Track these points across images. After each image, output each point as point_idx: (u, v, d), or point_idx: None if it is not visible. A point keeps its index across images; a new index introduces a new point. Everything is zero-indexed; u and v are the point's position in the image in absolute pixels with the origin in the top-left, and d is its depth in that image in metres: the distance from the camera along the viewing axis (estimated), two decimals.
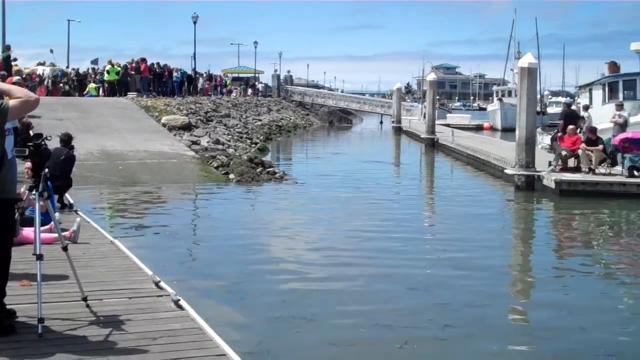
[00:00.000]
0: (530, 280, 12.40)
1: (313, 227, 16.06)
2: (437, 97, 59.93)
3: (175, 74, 49.72)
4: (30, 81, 37.75)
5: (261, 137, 40.50)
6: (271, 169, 24.81)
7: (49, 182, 11.71)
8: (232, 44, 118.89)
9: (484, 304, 10.09)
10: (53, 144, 12.08)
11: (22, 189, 8.24)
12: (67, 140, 14.41)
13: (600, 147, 21.45)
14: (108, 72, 42.21)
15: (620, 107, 24.87)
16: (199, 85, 55.76)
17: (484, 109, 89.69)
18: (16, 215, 6.05)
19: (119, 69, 42.16)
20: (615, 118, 24.21)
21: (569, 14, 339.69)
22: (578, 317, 9.69)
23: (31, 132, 14.26)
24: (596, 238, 16.15)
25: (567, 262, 13.67)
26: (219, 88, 63.05)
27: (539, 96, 41.58)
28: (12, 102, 5.63)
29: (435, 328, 8.94)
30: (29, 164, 7.80)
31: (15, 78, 24.44)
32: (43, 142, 6.54)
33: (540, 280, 12.11)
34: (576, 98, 47.30)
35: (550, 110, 60.79)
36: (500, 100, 62.97)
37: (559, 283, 11.83)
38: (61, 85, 42.21)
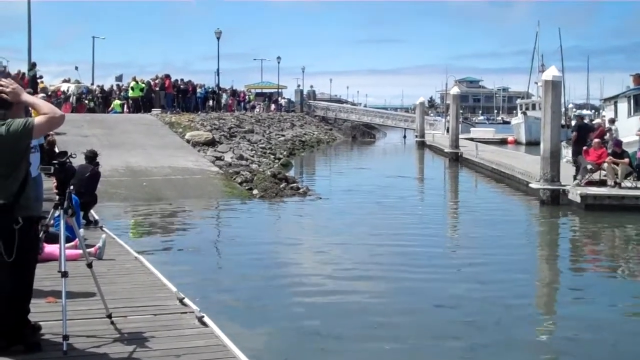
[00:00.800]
0: (557, 296, 12.31)
1: (337, 243, 15.97)
2: (461, 111, 59.78)
3: (199, 89, 50.02)
4: (55, 98, 38.13)
5: (284, 153, 40.56)
6: (295, 184, 24.83)
7: (75, 198, 11.84)
8: (255, 59, 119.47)
9: (512, 321, 9.99)
10: (78, 161, 12.18)
11: None
12: (92, 157, 14.50)
13: (626, 160, 21.23)
14: (132, 88, 42.56)
15: None
16: (223, 101, 56.03)
17: (508, 123, 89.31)
18: (40, 234, 6.05)
19: (143, 85, 42.51)
20: None
21: (591, 25, 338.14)
22: (605, 333, 9.58)
23: (56, 149, 14.41)
24: (623, 253, 15.96)
25: (593, 278, 13.51)
26: (242, 104, 63.30)
27: (563, 109, 41.33)
28: (37, 120, 5.64)
29: (463, 346, 8.83)
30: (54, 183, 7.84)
31: (40, 95, 24.65)
32: (68, 160, 6.56)
33: (567, 296, 12.01)
34: (601, 111, 47.02)
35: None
36: (524, 113, 62.69)
37: (586, 299, 11.68)
38: (86, 102, 42.59)
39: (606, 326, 9.86)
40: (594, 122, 30.50)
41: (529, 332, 9.70)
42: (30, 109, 6.55)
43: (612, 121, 27.80)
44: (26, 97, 5.88)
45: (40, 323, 6.38)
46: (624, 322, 10.19)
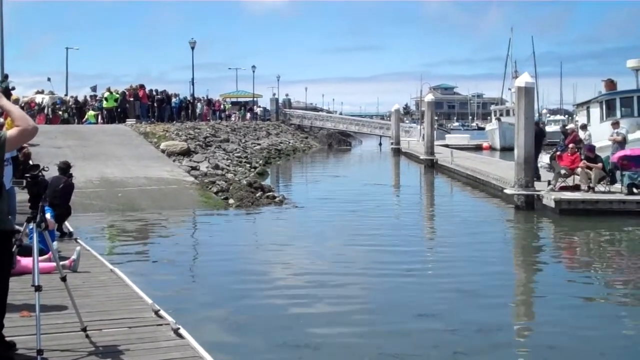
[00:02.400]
0: (535, 301, 12.39)
1: (314, 252, 15.94)
2: (436, 118, 60.09)
3: (173, 99, 49.87)
4: (29, 109, 37.87)
5: (260, 161, 40.54)
6: (271, 193, 24.81)
7: (50, 210, 11.78)
8: (229, 68, 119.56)
9: (492, 328, 9.97)
10: (51, 172, 12.12)
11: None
12: (65, 168, 14.42)
13: (600, 165, 21.42)
14: (106, 99, 42.34)
15: (616, 125, 24.93)
16: (198, 111, 55.91)
17: (483, 129, 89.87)
18: (14, 248, 6.01)
19: (117, 95, 42.31)
20: (613, 136, 24.24)
21: (564, 31, 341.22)
22: (583, 337, 9.64)
23: (30, 162, 14.32)
24: (597, 257, 16.07)
25: (570, 282, 13.55)
26: (217, 113, 63.20)
27: (537, 115, 41.65)
28: (9, 133, 5.60)
29: (444, 355, 8.83)
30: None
31: None
32: (40, 173, 6.54)
33: (545, 301, 12.04)
34: (574, 116, 47.46)
35: (548, 128, 60.98)
36: (498, 119, 63.15)
37: (563, 304, 11.64)
38: (60, 113, 42.32)
39: (583, 331, 9.92)
40: (567, 127, 30.74)
41: (509, 338, 9.75)
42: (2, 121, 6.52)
43: (584, 127, 28.04)
44: (3, 102, 5.83)
45: (14, 337, 6.34)
46: (600, 327, 10.25)
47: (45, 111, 41.29)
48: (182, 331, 7.11)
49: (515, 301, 12.38)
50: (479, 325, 10.01)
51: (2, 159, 5.73)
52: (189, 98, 54.64)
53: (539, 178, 23.79)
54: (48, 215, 11.04)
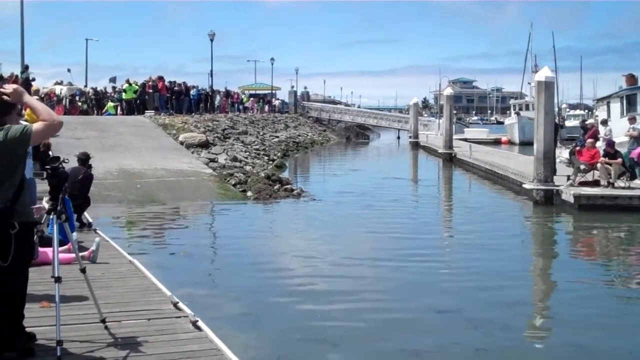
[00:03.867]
0: (553, 297, 12.31)
1: (332, 246, 15.90)
2: (454, 112, 59.86)
3: (192, 91, 49.93)
4: (48, 100, 38.07)
5: (279, 154, 40.58)
6: (289, 185, 24.82)
7: (68, 201, 11.84)
8: (248, 60, 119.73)
9: (511, 324, 9.89)
10: (71, 164, 12.17)
11: (43, 201, 8.27)
12: (84, 159, 14.50)
13: (619, 160, 21.27)
14: (125, 90, 42.49)
15: (633, 120, 24.73)
16: (216, 103, 55.97)
17: (502, 123, 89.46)
18: (35, 238, 6.04)
19: (137, 87, 42.44)
20: (630, 131, 24.06)
21: (584, 26, 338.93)
22: (603, 335, 9.57)
23: (51, 153, 14.40)
24: (617, 253, 15.98)
25: (589, 278, 13.44)
26: (236, 105, 63.23)
27: (556, 109, 41.39)
28: (35, 126, 5.63)
29: (466, 352, 8.76)
30: (42, 206, 7.82)
31: (34, 98, 24.64)
32: (60, 165, 6.56)
33: (563, 296, 11.98)
34: (594, 111, 47.14)
35: (568, 123, 60.60)
36: (517, 114, 62.73)
37: (583, 300, 11.55)
38: (79, 104, 42.48)
39: (603, 327, 9.86)
40: (587, 122, 30.56)
41: (527, 336, 9.67)
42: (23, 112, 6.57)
43: (604, 122, 27.87)
44: (27, 98, 5.88)
45: (34, 328, 6.38)
46: (620, 322, 10.19)
47: (64, 102, 41.45)
48: (201, 324, 7.12)
49: (535, 297, 12.33)
50: (498, 322, 9.95)
51: (27, 151, 5.77)
52: (207, 90, 54.69)
53: (554, 172, 23.65)
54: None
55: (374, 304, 11.07)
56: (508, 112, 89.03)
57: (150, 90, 42.99)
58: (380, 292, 11.81)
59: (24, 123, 5.73)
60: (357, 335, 9.35)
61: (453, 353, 8.78)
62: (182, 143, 30.84)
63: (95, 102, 44.82)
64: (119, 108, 43.26)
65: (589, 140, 23.02)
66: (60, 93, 42.38)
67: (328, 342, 9.03)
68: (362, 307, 10.85)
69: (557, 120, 32.44)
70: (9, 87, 5.78)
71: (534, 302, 11.90)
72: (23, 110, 10.80)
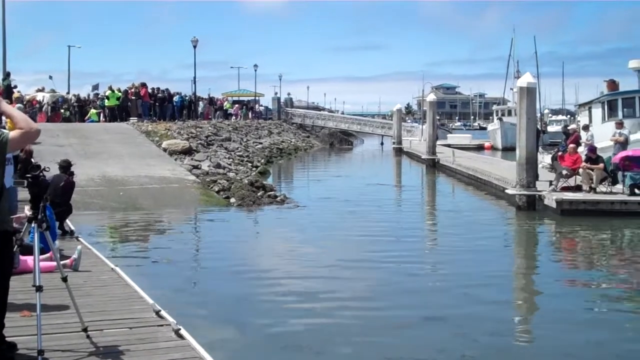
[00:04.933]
0: (537, 302, 12.35)
1: (316, 253, 15.87)
2: (438, 118, 60.05)
3: (175, 97, 49.79)
4: (30, 107, 37.87)
5: (262, 160, 40.53)
6: (272, 192, 24.78)
7: (50, 209, 11.77)
8: (232, 67, 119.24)
9: (494, 329, 9.94)
10: (53, 172, 12.11)
11: (25, 210, 8.21)
12: (66, 166, 14.41)
13: (601, 165, 21.39)
14: (108, 97, 42.32)
15: (620, 125, 24.89)
16: (200, 109, 55.84)
17: (485, 129, 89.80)
18: (15, 248, 6.00)
19: (120, 94, 42.29)
20: (615, 136, 24.20)
21: (565, 31, 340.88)
22: (585, 340, 9.64)
23: (33, 160, 14.31)
24: (599, 257, 16.07)
25: (570, 283, 13.52)
26: (219, 112, 63.02)
27: (538, 115, 41.62)
28: (12, 134, 5.60)
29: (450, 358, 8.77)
30: (23, 215, 7.77)
31: (17, 105, 24.51)
32: (41, 173, 6.53)
33: (546, 302, 12.02)
34: (576, 116, 47.42)
35: (550, 128, 60.91)
36: (500, 119, 63.07)
37: (564, 305, 11.65)
38: (62, 111, 42.27)
39: (585, 331, 9.94)
40: (569, 128, 30.70)
41: (511, 342, 9.67)
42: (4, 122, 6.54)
43: (586, 128, 28.01)
44: (4, 106, 5.84)
45: (15, 338, 6.33)
46: (602, 326, 10.26)
47: (45, 109, 41.23)
48: (183, 332, 7.10)
49: (518, 302, 12.38)
50: (482, 327, 9.98)
51: (4, 160, 5.72)
52: (190, 97, 54.56)
53: (537, 177, 23.77)
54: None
55: (358, 311, 11.04)
56: (491, 117, 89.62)
57: (133, 97, 42.85)
58: (364, 298, 11.81)
59: (3, 131, 5.68)
60: (341, 342, 9.34)
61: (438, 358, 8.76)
62: (165, 150, 30.73)
63: (78, 109, 44.60)
64: (101, 115, 43.09)
65: (571, 145, 23.15)
66: (43, 100, 42.16)
67: (312, 349, 9.01)
68: (347, 314, 10.83)
69: (539, 126, 32.57)
70: None
71: (517, 308, 11.94)
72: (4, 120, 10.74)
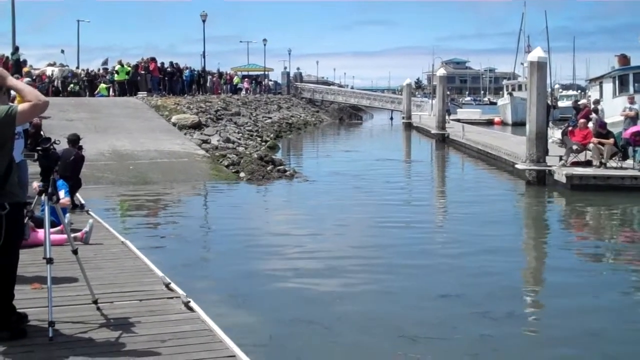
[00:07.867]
0: (545, 278, 12.39)
1: (326, 228, 15.82)
2: (447, 92, 59.83)
3: (185, 72, 49.68)
4: (40, 82, 37.87)
5: (271, 135, 40.49)
6: (281, 166, 24.78)
7: (65, 185, 11.83)
8: (241, 41, 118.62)
9: (505, 307, 9.80)
10: (63, 146, 12.14)
11: (34, 183, 8.25)
12: (74, 140, 14.40)
13: (612, 140, 21.30)
14: (118, 72, 42.26)
15: (631, 100, 24.75)
16: (209, 84, 55.71)
17: (495, 104, 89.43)
18: (26, 219, 6.04)
19: (129, 68, 42.21)
20: (626, 111, 24.08)
21: (576, 6, 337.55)
22: (595, 316, 9.57)
23: (42, 133, 14.34)
24: (609, 233, 16.06)
25: (580, 258, 13.51)
26: (229, 86, 62.85)
27: (549, 90, 41.38)
28: (20, 107, 5.62)
29: (465, 337, 8.61)
30: (36, 184, 7.79)
31: (25, 79, 24.51)
32: (52, 146, 6.54)
33: (555, 277, 11.99)
34: (587, 91, 47.18)
35: (561, 104, 60.59)
36: (510, 94, 62.78)
37: (573, 280, 11.57)
38: (72, 85, 42.25)
39: (595, 310, 9.89)
40: (579, 103, 30.56)
41: (519, 320, 9.53)
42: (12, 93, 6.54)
43: (597, 102, 27.89)
44: (11, 81, 5.86)
45: (26, 309, 6.39)
46: (613, 304, 10.23)
47: (56, 83, 41.22)
48: (193, 304, 7.13)
49: (528, 279, 12.33)
50: (491, 305, 9.85)
51: (14, 132, 5.75)
52: (199, 72, 54.42)
53: (547, 152, 23.69)
54: (62, 193, 11.09)
55: (369, 286, 10.98)
56: (501, 92, 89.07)
57: (143, 72, 42.78)
58: (376, 273, 11.75)
59: (12, 104, 5.70)
60: (352, 318, 9.29)
61: (454, 339, 8.60)
62: (174, 124, 30.73)
63: (87, 84, 44.58)
64: (111, 90, 43.06)
65: (582, 120, 23.04)
66: (52, 75, 42.14)
67: (321, 323, 8.98)
68: (357, 290, 10.80)
69: (549, 101, 32.42)
70: None
71: (525, 285, 11.92)
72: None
